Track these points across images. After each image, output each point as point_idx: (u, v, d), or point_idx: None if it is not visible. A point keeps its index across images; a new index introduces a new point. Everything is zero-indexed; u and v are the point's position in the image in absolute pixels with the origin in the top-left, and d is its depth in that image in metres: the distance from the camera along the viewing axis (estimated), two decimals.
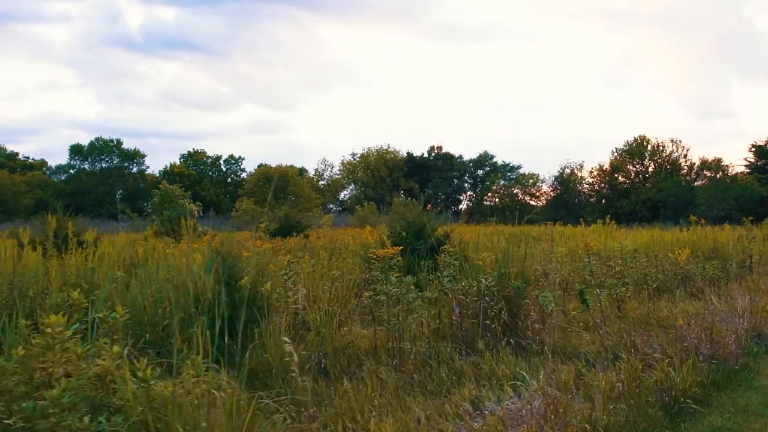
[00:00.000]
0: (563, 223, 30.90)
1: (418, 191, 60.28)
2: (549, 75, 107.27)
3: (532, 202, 55.84)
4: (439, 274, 6.60)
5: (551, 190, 55.16)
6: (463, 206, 61.63)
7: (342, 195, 62.39)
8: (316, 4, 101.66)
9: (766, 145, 52.88)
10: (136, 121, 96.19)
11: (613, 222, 26.36)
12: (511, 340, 5.82)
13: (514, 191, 56.37)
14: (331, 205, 58.28)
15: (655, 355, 5.58)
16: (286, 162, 59.23)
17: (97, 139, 63.61)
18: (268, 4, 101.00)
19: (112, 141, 63.80)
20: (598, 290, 7.05)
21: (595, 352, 5.63)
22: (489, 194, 58.00)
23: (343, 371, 5.31)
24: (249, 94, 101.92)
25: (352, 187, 61.89)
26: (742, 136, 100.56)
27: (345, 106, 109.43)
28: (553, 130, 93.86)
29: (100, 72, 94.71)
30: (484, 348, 5.40)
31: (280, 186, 46.64)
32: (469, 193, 61.59)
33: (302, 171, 65.82)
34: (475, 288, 6.02)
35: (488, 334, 5.85)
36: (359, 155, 61.02)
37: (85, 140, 66.45)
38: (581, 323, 6.43)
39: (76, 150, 63.58)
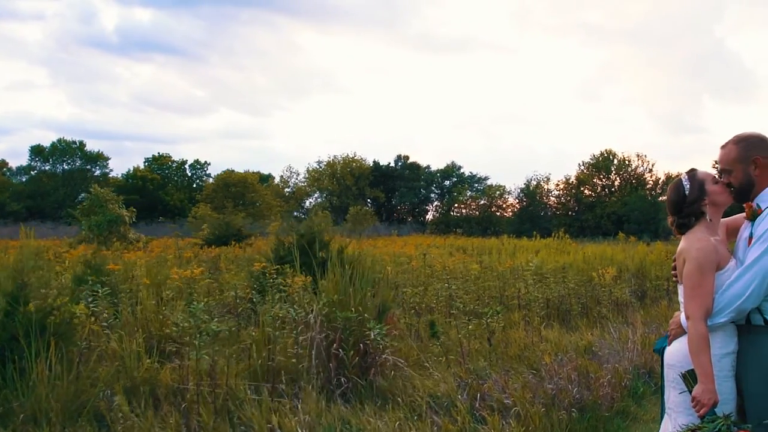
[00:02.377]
0: (528, 236, 30.32)
1: (384, 201, 59.46)
2: (525, 88, 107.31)
3: (498, 214, 55.17)
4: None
5: (517, 202, 54.57)
6: (429, 217, 60.86)
7: (307, 203, 61.18)
8: (295, 10, 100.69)
9: None
10: (109, 123, 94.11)
11: (567, 236, 25.87)
12: (343, 380, 4.89)
13: (482, 202, 55.67)
14: (296, 213, 57.01)
15: (506, 401, 4.68)
16: (262, 169, 58.20)
17: (59, 140, 61.71)
18: (246, 9, 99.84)
19: (74, 143, 61.94)
20: (468, 318, 6.14)
21: (431, 397, 4.69)
22: (456, 205, 57.27)
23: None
24: (225, 99, 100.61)
25: (317, 195, 60.75)
26: (711, 152, 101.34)
27: (322, 114, 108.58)
28: (528, 142, 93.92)
29: (73, 72, 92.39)
30: (289, 393, 4.43)
31: (239, 192, 45.43)
32: (436, 203, 60.82)
33: (267, 178, 64.64)
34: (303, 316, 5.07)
35: (315, 374, 4.90)
36: (325, 163, 60.02)
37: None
38: (436, 359, 5.50)
39: (36, 151, 61.59)
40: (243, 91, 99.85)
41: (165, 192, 59.25)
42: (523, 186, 53.89)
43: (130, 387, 4.75)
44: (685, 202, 2.81)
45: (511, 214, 54.79)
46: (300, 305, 5.51)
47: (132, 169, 61.92)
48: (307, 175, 60.95)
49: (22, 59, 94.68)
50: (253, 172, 52.54)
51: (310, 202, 61.46)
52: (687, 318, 2.67)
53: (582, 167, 54.52)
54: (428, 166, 60.58)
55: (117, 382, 4.67)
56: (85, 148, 62.13)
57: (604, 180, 54.10)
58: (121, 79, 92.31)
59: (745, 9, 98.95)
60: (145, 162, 64.06)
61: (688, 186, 2.83)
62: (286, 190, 62.56)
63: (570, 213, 52.73)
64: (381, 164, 60.37)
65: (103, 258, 8.73)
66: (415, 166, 60.14)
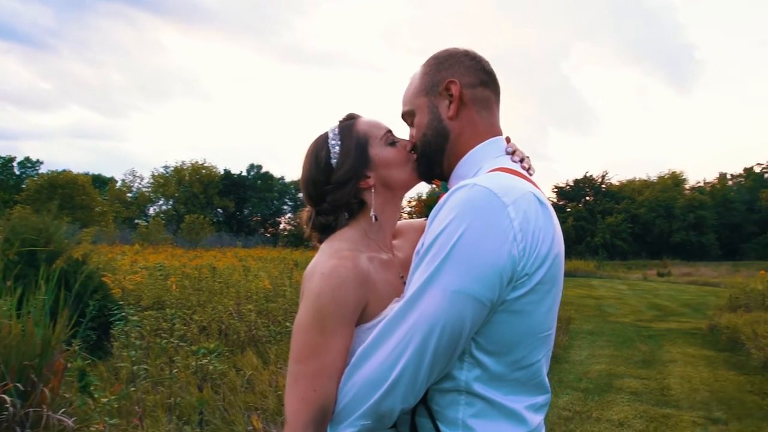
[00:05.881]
0: None
1: (234, 210, 57.21)
2: (391, 106, 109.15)
3: None
4: None
5: None
6: (282, 228, 59.42)
7: (151, 210, 57.34)
8: (159, 7, 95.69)
9: (565, 186, 57.09)
10: None
11: None
12: None
13: None
14: (137, 221, 53.15)
15: None
16: (116, 174, 53.53)
17: None
18: (104, 1, 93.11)
19: None
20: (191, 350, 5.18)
21: None
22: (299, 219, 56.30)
23: None
24: (76, 95, 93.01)
25: (161, 202, 57.12)
26: (554, 179, 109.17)
27: (183, 118, 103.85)
28: None
29: None
30: None
31: (68, 195, 41.38)
32: (288, 215, 59.48)
33: (108, 181, 60.01)
34: None
35: None
36: (173, 168, 56.65)
37: None
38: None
39: None
40: (97, 87, 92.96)
41: None
42: None
43: None
44: (329, 180, 1.44)
45: None
46: None
47: None
48: (152, 181, 57.21)
49: None
50: (87, 174, 48.26)
51: (155, 209, 57.80)
52: (286, 422, 1.29)
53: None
54: (282, 177, 59.28)
55: None
56: None
57: None
58: None
59: (588, 49, 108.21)
60: None
61: (337, 147, 1.45)
62: (128, 195, 58.36)
63: None
64: (232, 173, 58.11)
65: None
66: (268, 176, 58.52)
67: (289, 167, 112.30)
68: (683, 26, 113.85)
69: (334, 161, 1.43)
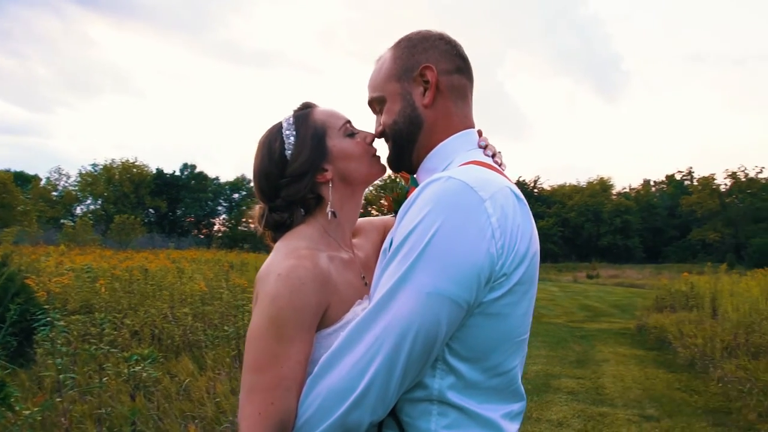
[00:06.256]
0: None
1: (166, 211, 55.50)
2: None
3: None
4: None
5: None
6: (216, 230, 58.08)
7: (78, 209, 54.83)
8: None
9: None
10: None
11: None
12: None
13: None
14: (63, 221, 50.71)
15: None
16: (41, 172, 50.81)
17: None
18: None
19: None
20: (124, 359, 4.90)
21: None
22: (244, 219, 55.39)
23: None
24: None
25: (89, 201, 54.71)
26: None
27: (113, 115, 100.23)
28: None
29: None
30: None
31: None
32: (223, 216, 58.19)
33: (32, 179, 57.05)
34: None
35: None
36: (102, 167, 54.36)
37: None
38: None
39: None
40: (19, 81, 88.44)
41: None
42: None
43: None
44: (284, 173, 1.33)
45: None
46: None
47: None
48: (79, 179, 54.75)
49: None
50: (8, 171, 45.69)
51: (82, 209, 55.37)
52: None
53: (371, 190, 56.20)
54: (217, 178, 57.90)
55: None
56: None
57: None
58: None
59: (522, 57, 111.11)
60: None
61: (292, 138, 1.34)
62: (54, 194, 55.64)
63: None
64: (165, 172, 56.38)
65: None
66: (202, 176, 57.03)
67: (224, 167, 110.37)
68: (611, 38, 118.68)
69: (288, 153, 1.33)
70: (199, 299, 8.45)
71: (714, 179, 54.49)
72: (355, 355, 1.04)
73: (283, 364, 1.13)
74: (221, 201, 58.04)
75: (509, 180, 1.18)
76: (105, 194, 53.35)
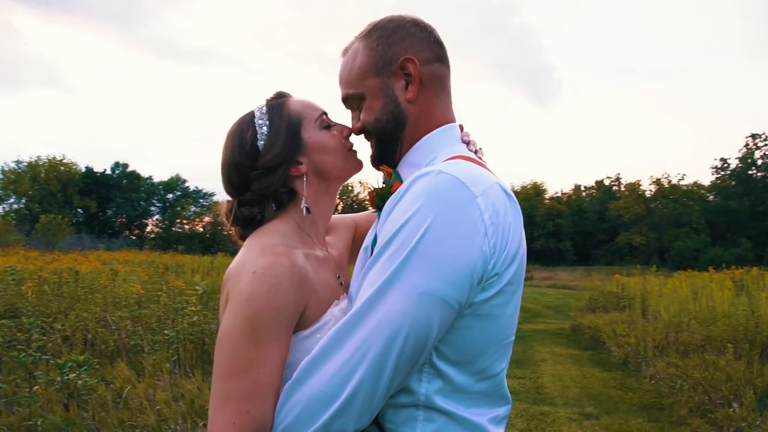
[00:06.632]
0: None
1: (96, 211, 53.33)
2: None
3: (227, 233, 53.24)
4: None
5: None
6: (149, 231, 56.24)
7: (0, 208, 51.91)
8: None
9: None
10: None
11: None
12: None
13: (207, 219, 53.25)
14: None
15: None
16: None
17: None
18: None
19: None
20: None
21: None
22: (178, 220, 53.89)
23: None
24: None
25: (12, 200, 51.89)
26: None
27: (39, 110, 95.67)
28: None
29: None
30: None
31: None
32: (156, 217, 56.37)
33: None
34: None
35: None
36: (26, 164, 51.72)
37: None
38: None
39: None
40: None
41: None
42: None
43: None
44: (255, 165, 1.26)
45: None
46: None
47: None
48: (1, 176, 51.88)
49: None
50: None
51: (4, 208, 52.49)
52: None
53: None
54: (150, 177, 56.02)
55: None
56: None
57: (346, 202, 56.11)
58: None
59: (460, 62, 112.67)
60: None
61: (265, 128, 1.27)
62: None
63: None
64: (95, 171, 54.19)
65: None
66: (134, 176, 55.08)
67: (158, 167, 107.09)
68: (544, 47, 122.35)
69: (261, 143, 1.26)
70: (135, 302, 8.13)
71: (640, 185, 56.96)
72: (340, 358, 0.98)
73: (260, 369, 1.07)
74: (154, 201, 56.19)
75: (496, 176, 1.16)
76: (30, 193, 50.78)
